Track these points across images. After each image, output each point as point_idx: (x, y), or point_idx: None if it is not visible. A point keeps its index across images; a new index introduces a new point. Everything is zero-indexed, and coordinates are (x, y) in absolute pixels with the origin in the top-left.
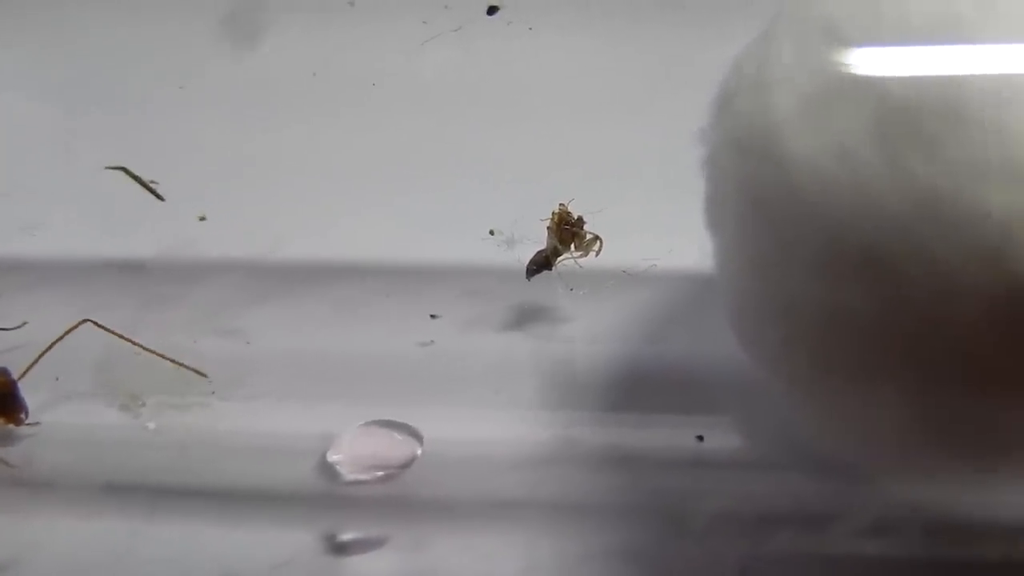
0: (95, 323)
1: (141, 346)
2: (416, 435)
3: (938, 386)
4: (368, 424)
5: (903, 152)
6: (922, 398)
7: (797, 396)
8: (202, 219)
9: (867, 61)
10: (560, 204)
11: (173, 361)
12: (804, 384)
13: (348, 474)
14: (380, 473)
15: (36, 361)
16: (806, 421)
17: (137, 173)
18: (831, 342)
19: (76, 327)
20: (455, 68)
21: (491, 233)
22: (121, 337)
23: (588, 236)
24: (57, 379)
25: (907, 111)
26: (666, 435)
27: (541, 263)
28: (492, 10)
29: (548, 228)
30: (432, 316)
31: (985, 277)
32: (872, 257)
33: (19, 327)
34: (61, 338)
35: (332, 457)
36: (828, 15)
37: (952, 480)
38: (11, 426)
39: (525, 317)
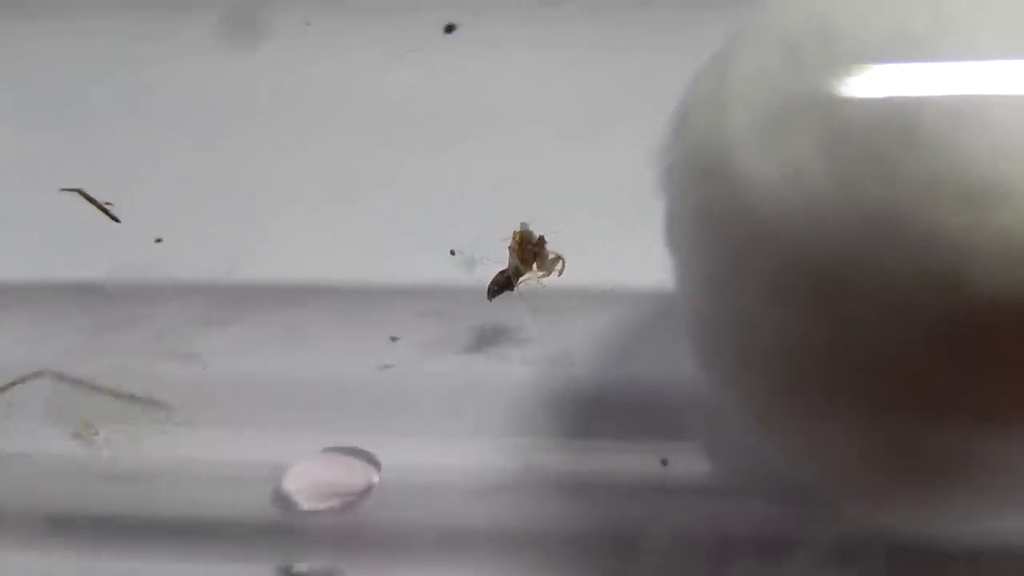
0: (53, 373)
1: (101, 389)
2: (374, 462)
3: (895, 410)
4: (325, 451)
5: (856, 173)
6: (879, 422)
7: (754, 419)
8: (158, 241)
9: (821, 80)
10: (521, 223)
11: (132, 396)
12: (760, 407)
13: (304, 503)
14: (337, 502)
15: None
16: (764, 444)
17: (92, 195)
18: (785, 364)
19: (32, 377)
20: (414, 87)
21: (452, 253)
22: (79, 383)
23: (550, 256)
24: (9, 406)
25: (861, 131)
26: (630, 460)
27: (503, 283)
28: (450, 29)
29: (510, 248)
30: (392, 338)
31: (939, 300)
32: (825, 279)
33: None
34: (14, 384)
35: (287, 486)
36: (785, 33)
37: (914, 505)
38: None
39: (487, 339)
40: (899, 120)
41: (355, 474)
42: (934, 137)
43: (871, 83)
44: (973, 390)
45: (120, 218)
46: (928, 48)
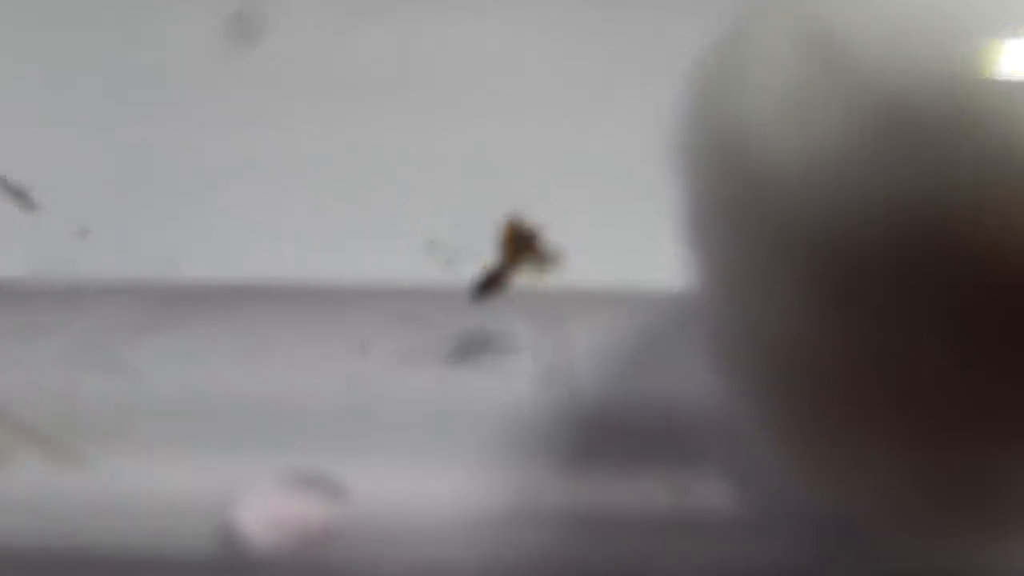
0: None
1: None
2: (339, 492)
3: (943, 425)
4: (281, 478)
5: (894, 162)
6: (925, 439)
7: (783, 440)
8: (83, 232)
9: (854, 58)
10: (512, 214)
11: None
12: (790, 425)
13: (256, 540)
14: (296, 538)
15: None
16: (793, 470)
17: (3, 177)
18: (818, 375)
19: None
20: (386, 52)
21: (430, 247)
22: None
23: (545, 251)
24: None
25: (897, 115)
26: (640, 490)
27: (490, 283)
28: None
29: (498, 240)
30: (360, 347)
31: (994, 302)
32: (860, 282)
33: None
34: None
35: (237, 519)
36: (814, 6)
37: (964, 535)
38: None
39: (471, 348)
40: (938, 106)
41: (317, 506)
42: (979, 121)
43: (915, 59)
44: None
45: (38, 204)
46: (968, 29)
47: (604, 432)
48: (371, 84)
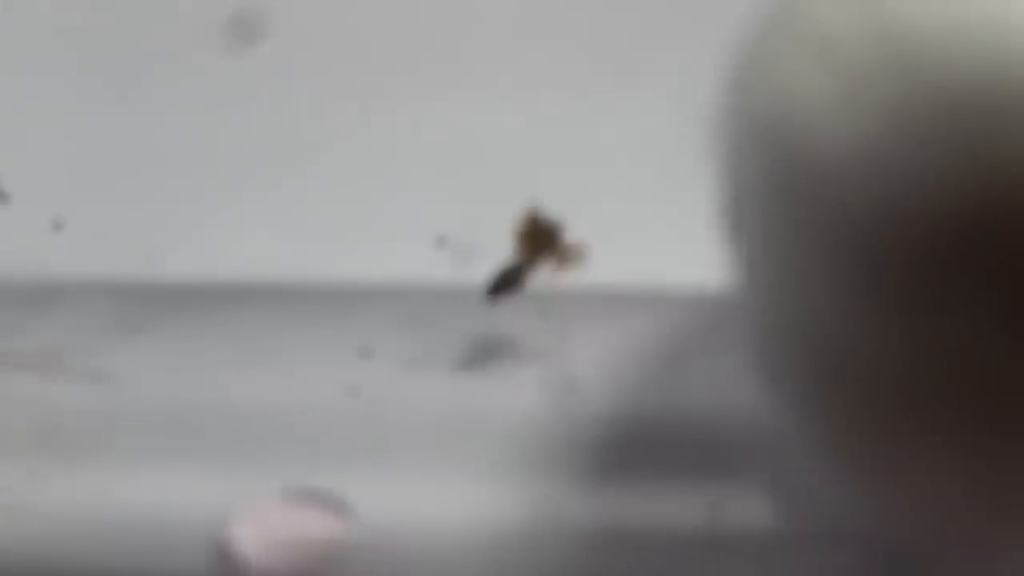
0: None
1: None
2: (344, 509)
3: (1006, 430)
4: (281, 494)
5: (951, 149)
6: (986, 445)
7: (830, 448)
8: (58, 227)
9: (914, 45)
10: (531, 204)
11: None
12: (839, 431)
13: (254, 559)
14: (297, 558)
15: None
16: (846, 486)
17: None
18: (872, 376)
19: None
20: (386, 23)
21: (439, 243)
22: None
23: (568, 246)
24: None
25: (955, 106)
26: (672, 507)
27: (506, 282)
28: None
29: (515, 235)
30: (362, 353)
31: None
32: (923, 278)
33: None
34: None
35: (233, 537)
36: None
37: (1015, 550)
38: None
39: (485, 353)
40: (999, 93)
41: (319, 523)
42: None
43: (967, 49)
44: None
45: (9, 196)
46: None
47: (630, 444)
48: (373, 64)
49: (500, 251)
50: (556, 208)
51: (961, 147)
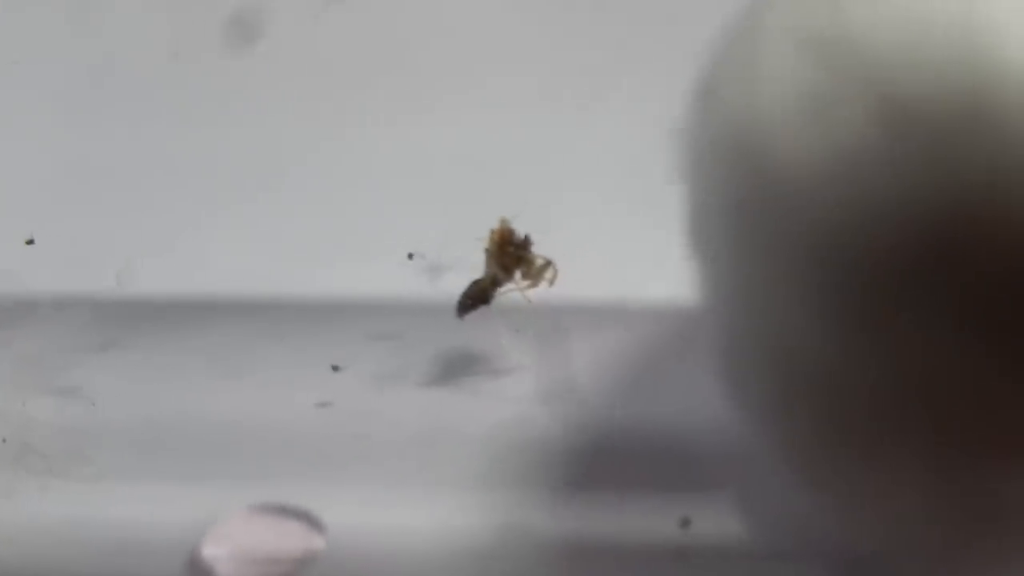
0: None
1: None
2: (316, 523)
3: (973, 444)
4: (253, 509)
5: (921, 158)
6: (954, 460)
7: (798, 464)
8: (29, 243)
9: (872, 54)
10: (501, 219)
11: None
12: (807, 448)
13: (228, 573)
14: (271, 572)
15: None
16: (810, 497)
17: None
18: (839, 392)
19: None
20: (361, 41)
21: (410, 257)
22: None
23: (538, 261)
24: None
25: (918, 114)
26: (641, 520)
27: (477, 297)
28: None
29: (486, 250)
30: (333, 368)
31: (1012, 318)
32: (888, 286)
33: None
34: None
35: (207, 552)
36: (829, 2)
37: (981, 565)
38: None
39: (456, 368)
40: (964, 101)
41: (291, 538)
42: (1005, 121)
43: (933, 49)
44: None
45: None
46: (993, 22)
47: (600, 457)
48: (345, 81)
49: (471, 267)
50: (527, 224)
51: (928, 160)
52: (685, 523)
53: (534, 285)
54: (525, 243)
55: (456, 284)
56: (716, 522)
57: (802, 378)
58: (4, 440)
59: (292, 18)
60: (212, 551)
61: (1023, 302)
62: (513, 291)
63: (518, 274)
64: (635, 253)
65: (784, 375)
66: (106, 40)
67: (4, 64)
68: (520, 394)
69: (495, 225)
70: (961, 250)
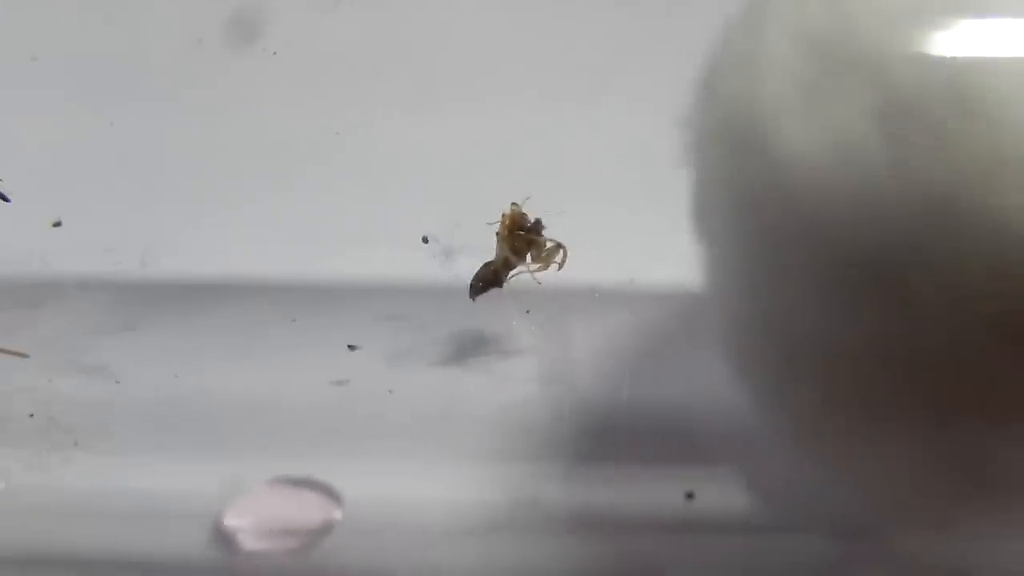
0: None
1: None
2: (334, 495)
3: (959, 416)
4: (274, 482)
5: (912, 146)
6: (941, 430)
7: (797, 437)
8: (56, 225)
9: (872, 38)
10: (512, 204)
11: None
12: (805, 421)
13: (249, 543)
14: (290, 542)
15: None
16: (809, 468)
17: None
18: (835, 368)
19: None
20: (376, 34)
21: (424, 241)
22: None
23: (548, 244)
24: None
25: (916, 101)
26: (648, 492)
27: (488, 279)
28: None
29: (497, 234)
30: (350, 347)
31: (1003, 292)
32: (879, 268)
33: None
34: None
35: (229, 522)
36: None
37: (979, 529)
38: None
39: (469, 348)
40: (960, 87)
41: (310, 509)
42: (998, 107)
43: (928, 44)
44: None
45: (9, 196)
46: (990, 6)
47: (610, 434)
48: (359, 72)
49: (483, 250)
50: (536, 209)
51: (924, 146)
52: (689, 497)
53: (544, 268)
54: (536, 227)
55: (468, 267)
56: (719, 496)
57: (802, 356)
58: (31, 415)
59: (311, 7)
60: (234, 521)
61: (1014, 279)
62: (524, 273)
63: (528, 257)
64: (641, 238)
65: (785, 353)
66: (131, 30)
67: (31, 55)
68: (530, 374)
69: (507, 210)
70: (954, 236)
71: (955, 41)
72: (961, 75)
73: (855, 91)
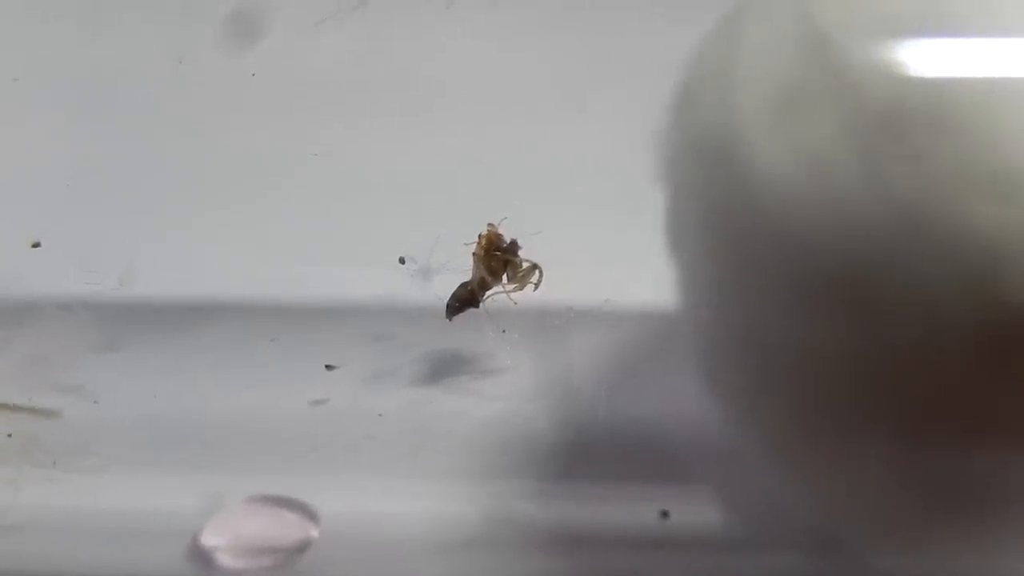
0: None
1: None
2: (311, 513)
3: (931, 429)
4: (251, 500)
5: (883, 163)
6: (914, 444)
7: (771, 452)
8: (35, 246)
9: (844, 56)
10: (488, 225)
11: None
12: (779, 436)
13: (227, 561)
14: (267, 560)
15: None
16: (787, 485)
17: None
18: (807, 383)
19: None
20: (356, 56)
21: (401, 261)
22: None
23: (524, 265)
24: None
25: (888, 117)
26: (623, 510)
27: (465, 299)
28: None
29: (474, 254)
30: (327, 367)
31: (973, 305)
32: (850, 283)
33: None
34: None
35: (207, 540)
36: (803, 4)
37: (953, 542)
38: None
39: (445, 368)
40: (929, 105)
41: (289, 527)
42: (968, 122)
43: (900, 61)
44: (1015, 403)
45: None
46: (963, 27)
47: (583, 452)
48: (342, 94)
49: (460, 271)
50: (513, 229)
51: (897, 161)
52: (665, 514)
53: (520, 288)
54: (512, 248)
55: (445, 287)
56: (694, 514)
57: (775, 371)
58: (10, 435)
59: (292, 28)
60: (212, 540)
61: (992, 289)
62: (500, 294)
63: (505, 278)
64: (617, 257)
65: (758, 369)
66: (109, 48)
67: (11, 73)
68: (506, 392)
69: (483, 230)
70: (928, 244)
71: (927, 58)
72: (933, 91)
73: (828, 107)
